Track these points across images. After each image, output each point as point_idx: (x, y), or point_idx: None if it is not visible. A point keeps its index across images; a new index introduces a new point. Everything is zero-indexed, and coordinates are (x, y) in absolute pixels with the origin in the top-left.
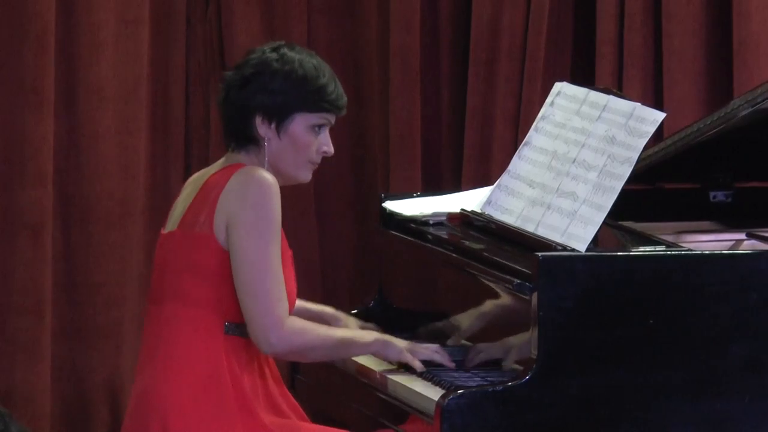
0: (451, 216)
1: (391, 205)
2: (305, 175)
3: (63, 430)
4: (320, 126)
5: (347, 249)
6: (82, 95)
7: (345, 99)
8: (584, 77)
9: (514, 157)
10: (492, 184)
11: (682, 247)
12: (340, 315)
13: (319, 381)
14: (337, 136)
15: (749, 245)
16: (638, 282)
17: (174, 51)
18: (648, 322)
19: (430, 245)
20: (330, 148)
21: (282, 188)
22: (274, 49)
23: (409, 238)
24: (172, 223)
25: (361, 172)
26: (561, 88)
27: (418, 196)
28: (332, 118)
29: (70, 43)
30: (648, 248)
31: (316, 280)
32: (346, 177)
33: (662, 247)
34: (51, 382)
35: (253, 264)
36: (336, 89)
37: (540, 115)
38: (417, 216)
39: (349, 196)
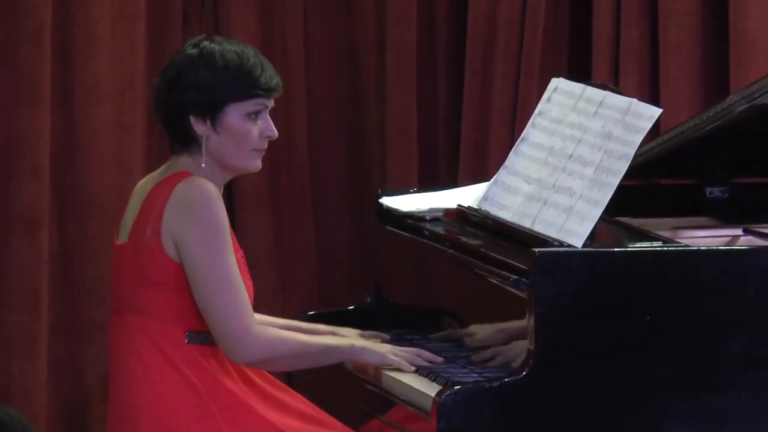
0: (447, 212)
1: (387, 201)
2: (254, 164)
3: (60, 427)
4: (257, 113)
5: (344, 245)
6: (78, 91)
7: (276, 80)
8: (581, 73)
9: (511, 153)
10: (489, 180)
11: (678, 242)
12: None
13: (317, 379)
14: (334, 132)
15: (746, 241)
16: (635, 278)
17: (171, 47)
18: (645, 317)
19: (426, 241)
20: (273, 132)
21: (279, 186)
22: (195, 45)
23: (405, 234)
24: (123, 233)
25: (358, 168)
26: (557, 83)
27: (414, 192)
28: (267, 102)
29: (66, 38)
30: (644, 244)
31: (313, 277)
32: (342, 173)
33: (659, 243)
34: (48, 378)
35: (209, 279)
36: (264, 72)
37: (537, 111)
38: (414, 212)
39: (345, 192)
